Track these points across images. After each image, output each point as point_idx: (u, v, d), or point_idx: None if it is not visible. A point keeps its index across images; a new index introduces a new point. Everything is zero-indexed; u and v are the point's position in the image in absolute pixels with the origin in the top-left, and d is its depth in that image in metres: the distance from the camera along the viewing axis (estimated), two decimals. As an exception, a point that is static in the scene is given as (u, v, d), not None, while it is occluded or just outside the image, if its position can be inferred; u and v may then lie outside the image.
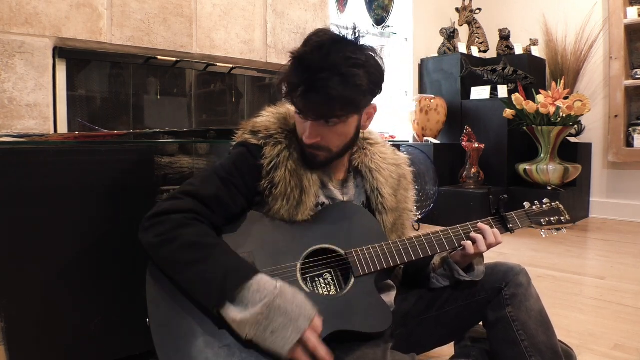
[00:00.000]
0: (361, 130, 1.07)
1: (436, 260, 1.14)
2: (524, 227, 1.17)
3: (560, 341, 1.05)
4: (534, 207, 1.22)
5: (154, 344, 0.83)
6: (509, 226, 1.13)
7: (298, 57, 0.92)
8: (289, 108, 1.07)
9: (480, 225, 1.09)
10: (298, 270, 0.95)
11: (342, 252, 0.99)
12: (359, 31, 0.96)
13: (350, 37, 0.95)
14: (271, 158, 0.98)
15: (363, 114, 1.01)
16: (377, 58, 0.97)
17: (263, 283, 0.82)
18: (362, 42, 0.96)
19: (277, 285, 0.82)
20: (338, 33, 0.95)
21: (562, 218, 1.22)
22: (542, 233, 1.21)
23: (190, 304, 0.87)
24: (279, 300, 0.80)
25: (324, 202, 1.06)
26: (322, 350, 0.82)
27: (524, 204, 1.22)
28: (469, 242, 1.06)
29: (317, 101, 0.90)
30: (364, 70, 0.92)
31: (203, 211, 0.91)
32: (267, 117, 1.05)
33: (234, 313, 0.80)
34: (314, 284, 0.98)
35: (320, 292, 0.98)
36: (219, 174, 0.97)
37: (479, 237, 1.06)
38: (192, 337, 0.84)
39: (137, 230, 0.90)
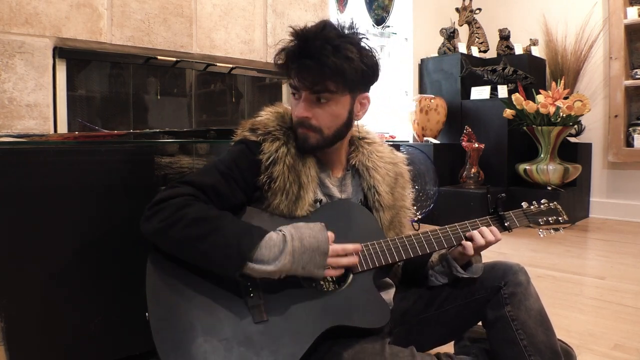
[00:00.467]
0: (357, 127, 1.10)
1: (434, 257, 1.15)
2: (522, 226, 1.18)
3: (559, 340, 1.05)
4: (531, 207, 1.22)
5: (153, 341, 0.83)
6: (506, 224, 1.14)
7: (296, 29, 0.98)
8: (287, 107, 1.10)
9: (480, 223, 1.11)
10: None
11: None
12: (356, 24, 1.02)
13: (347, 30, 1.01)
14: (269, 153, 1.00)
15: (356, 101, 1.04)
16: (371, 48, 1.03)
17: (274, 237, 0.88)
18: (359, 36, 1.02)
19: (285, 233, 0.89)
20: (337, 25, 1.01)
21: (560, 218, 1.22)
22: (540, 233, 1.21)
23: (189, 299, 0.88)
24: (296, 243, 0.88)
25: (321, 200, 1.07)
26: (349, 247, 0.95)
27: (522, 203, 1.23)
28: (469, 243, 1.06)
29: (311, 67, 0.95)
30: (357, 49, 0.98)
31: (202, 197, 0.94)
32: (266, 115, 1.07)
33: (262, 268, 0.86)
34: (313, 280, 0.99)
35: (319, 288, 0.98)
36: (219, 167, 0.99)
37: (475, 233, 1.07)
38: (191, 332, 0.84)
39: (137, 230, 0.91)
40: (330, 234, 0.92)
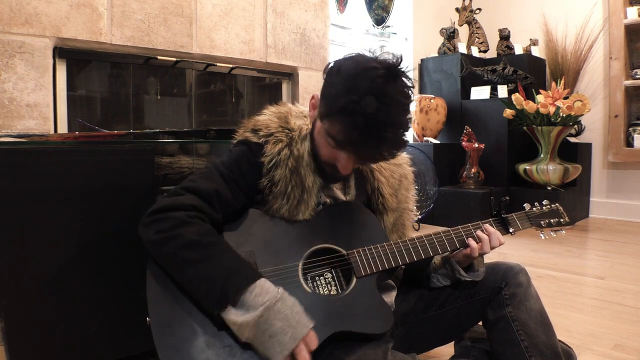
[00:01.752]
0: None
1: (437, 260, 1.14)
2: (524, 228, 1.17)
3: (560, 341, 1.05)
4: (534, 208, 1.22)
5: (154, 344, 0.83)
6: (510, 229, 1.14)
7: (362, 110, 0.85)
8: (290, 107, 1.08)
9: (487, 226, 1.09)
10: (300, 269, 0.95)
11: (344, 252, 0.99)
12: (400, 60, 0.91)
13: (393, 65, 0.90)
14: (272, 156, 0.98)
15: None
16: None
17: (266, 287, 0.82)
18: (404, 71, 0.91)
19: (279, 290, 0.82)
20: (387, 63, 0.89)
21: (561, 220, 1.22)
22: (541, 235, 1.21)
23: (191, 304, 0.87)
24: (280, 305, 0.81)
25: (325, 202, 1.06)
26: None
27: (524, 205, 1.22)
28: (472, 242, 1.06)
29: (374, 155, 0.91)
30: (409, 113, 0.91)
31: (204, 208, 0.91)
32: (269, 116, 1.05)
33: (234, 316, 0.80)
34: (315, 283, 0.98)
35: (321, 291, 0.98)
36: (220, 170, 0.97)
37: (484, 237, 1.07)
38: (193, 337, 0.83)
39: (137, 230, 0.90)
40: (312, 337, 0.82)
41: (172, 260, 0.86)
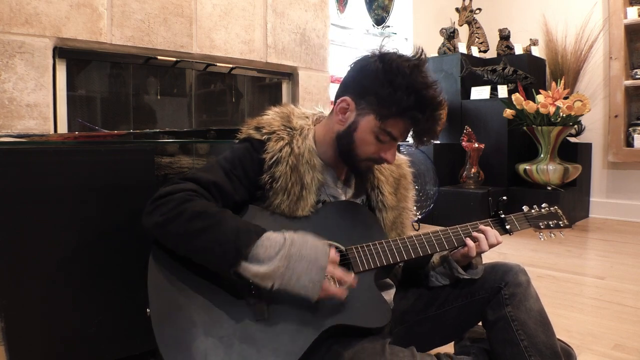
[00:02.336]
0: None
1: (435, 258, 1.15)
2: (523, 229, 1.18)
3: (559, 340, 1.05)
4: (532, 210, 1.22)
5: (153, 341, 0.83)
6: (507, 227, 1.15)
7: (420, 89, 0.96)
8: (293, 108, 1.11)
9: (482, 226, 1.10)
10: None
11: (343, 248, 1.00)
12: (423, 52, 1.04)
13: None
14: (273, 153, 1.00)
15: None
16: None
17: (273, 237, 0.86)
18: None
19: (285, 237, 0.87)
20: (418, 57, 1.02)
21: (560, 222, 1.23)
22: (540, 237, 1.21)
23: (191, 295, 0.88)
24: (294, 249, 0.85)
25: (325, 200, 1.07)
26: (347, 277, 0.89)
27: (523, 207, 1.23)
28: (470, 241, 1.06)
29: (433, 136, 1.02)
30: None
31: (204, 193, 0.94)
32: (272, 115, 1.08)
33: (254, 268, 0.83)
34: None
35: None
36: (222, 165, 1.00)
37: (481, 236, 1.07)
38: (192, 327, 0.84)
39: (137, 230, 0.91)
40: (333, 255, 0.89)
41: (181, 235, 0.87)
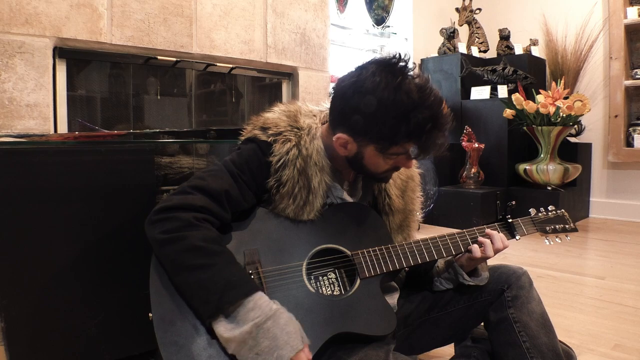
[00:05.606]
0: None
1: (440, 263, 1.14)
2: (530, 233, 1.17)
3: (560, 341, 1.05)
4: (539, 214, 1.21)
5: (152, 342, 0.83)
6: (515, 234, 1.13)
7: (409, 113, 0.91)
8: (300, 106, 1.07)
9: (488, 230, 1.09)
10: (304, 269, 0.95)
11: (349, 252, 0.99)
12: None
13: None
14: (280, 156, 0.97)
15: None
16: None
17: (260, 303, 0.81)
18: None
19: (272, 308, 0.81)
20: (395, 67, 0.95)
21: (567, 226, 1.22)
22: (546, 241, 1.20)
23: None
24: (270, 323, 0.79)
25: (332, 203, 1.05)
26: None
27: (530, 210, 1.22)
28: (476, 246, 1.06)
29: (442, 141, 0.95)
30: None
31: (214, 208, 0.90)
32: (278, 114, 1.04)
33: (223, 329, 0.80)
34: (318, 283, 0.98)
35: (324, 291, 0.98)
36: (230, 169, 0.96)
37: (486, 241, 1.06)
38: (196, 334, 0.83)
39: (137, 231, 0.90)
40: (303, 355, 0.80)
41: (174, 262, 0.85)
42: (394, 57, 0.95)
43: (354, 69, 0.98)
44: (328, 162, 1.01)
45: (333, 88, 1.02)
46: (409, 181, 1.15)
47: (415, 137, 0.92)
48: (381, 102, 0.90)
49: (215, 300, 0.80)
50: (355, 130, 0.95)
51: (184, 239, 0.84)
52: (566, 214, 1.24)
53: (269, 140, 0.99)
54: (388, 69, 0.92)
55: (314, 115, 1.06)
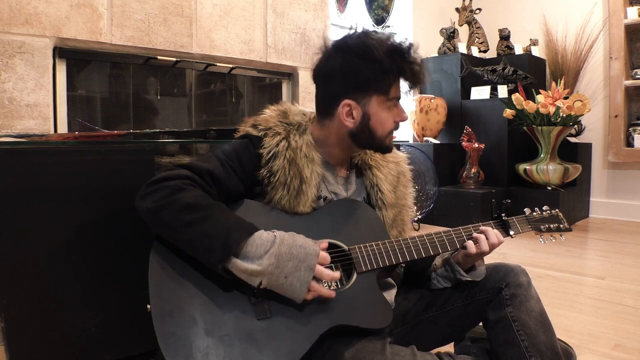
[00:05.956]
0: None
1: (437, 261, 1.15)
2: (524, 231, 1.18)
3: (559, 340, 1.05)
4: (534, 213, 1.22)
5: (153, 340, 0.83)
6: (510, 232, 1.14)
7: (391, 42, 0.99)
8: (290, 106, 1.11)
9: (483, 227, 1.10)
10: None
11: (346, 247, 1.00)
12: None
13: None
14: (270, 148, 1.01)
15: None
16: None
17: (264, 236, 0.87)
18: None
19: (275, 235, 0.87)
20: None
21: (561, 225, 1.23)
22: (540, 240, 1.21)
23: (192, 292, 0.88)
24: (283, 247, 0.85)
25: (327, 197, 1.07)
26: (336, 275, 0.91)
27: (524, 209, 1.23)
28: (471, 242, 1.07)
29: (420, 69, 1.01)
30: None
31: (197, 179, 0.94)
32: (269, 113, 1.09)
33: (243, 265, 0.84)
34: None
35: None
36: (218, 156, 1.00)
37: (481, 237, 1.07)
38: (193, 325, 0.84)
39: (137, 230, 0.91)
40: (323, 255, 0.89)
41: (172, 225, 0.87)
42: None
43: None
44: (319, 156, 1.04)
45: (315, 78, 1.08)
46: (401, 177, 1.18)
47: (402, 61, 0.99)
48: (360, 48, 0.98)
49: (220, 244, 0.84)
50: (353, 87, 1.01)
51: (175, 202, 0.87)
52: (560, 213, 1.25)
53: (260, 134, 1.03)
54: (348, 35, 1.03)
55: (304, 114, 1.10)
